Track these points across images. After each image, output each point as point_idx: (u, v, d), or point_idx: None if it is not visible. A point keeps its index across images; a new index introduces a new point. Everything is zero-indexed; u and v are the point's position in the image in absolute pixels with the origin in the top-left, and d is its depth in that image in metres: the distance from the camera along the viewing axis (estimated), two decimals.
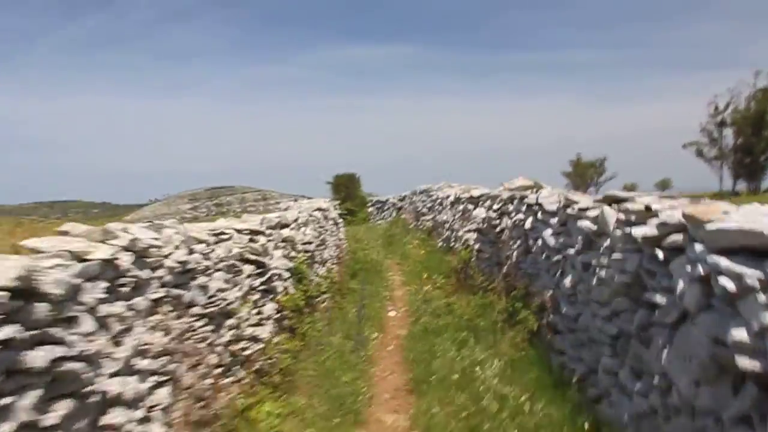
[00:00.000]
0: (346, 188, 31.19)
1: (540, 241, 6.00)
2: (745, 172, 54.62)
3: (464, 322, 7.36)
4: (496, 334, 6.61)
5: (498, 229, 8.28)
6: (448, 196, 14.90)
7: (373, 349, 7.75)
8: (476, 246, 9.93)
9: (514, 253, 7.32)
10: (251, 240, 5.92)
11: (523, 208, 7.19)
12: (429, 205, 19.35)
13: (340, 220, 14.00)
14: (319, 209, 9.88)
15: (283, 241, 7.14)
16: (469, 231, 10.78)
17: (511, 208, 7.87)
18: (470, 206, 11.40)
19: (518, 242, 7.16)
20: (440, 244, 14.85)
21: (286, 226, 7.64)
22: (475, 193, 11.19)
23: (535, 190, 7.13)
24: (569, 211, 4.91)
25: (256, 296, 5.73)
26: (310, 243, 8.37)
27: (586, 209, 4.51)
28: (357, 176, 31.93)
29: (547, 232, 5.73)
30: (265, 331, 5.74)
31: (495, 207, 8.49)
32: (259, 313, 5.76)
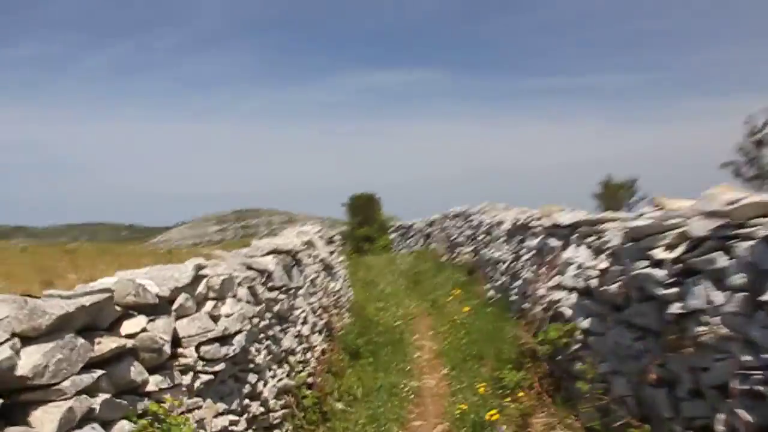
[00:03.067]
0: (364, 211, 26.51)
1: None
2: None
3: None
4: None
5: (676, 309, 3.40)
6: (500, 223, 10.05)
7: None
8: (582, 322, 5.07)
9: None
10: None
11: None
12: (467, 232, 14.50)
13: (339, 260, 9.23)
14: (276, 252, 5.11)
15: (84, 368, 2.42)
16: (559, 288, 5.92)
17: (723, 261, 3.02)
18: (553, 242, 6.54)
19: None
20: (491, 293, 9.96)
21: (145, 309, 2.93)
22: (564, 219, 6.35)
23: None
24: None
25: None
26: (228, 338, 3.62)
27: None
28: (377, 197, 27.24)
29: None
30: None
31: (662, 253, 3.60)
32: None
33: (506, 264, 8.86)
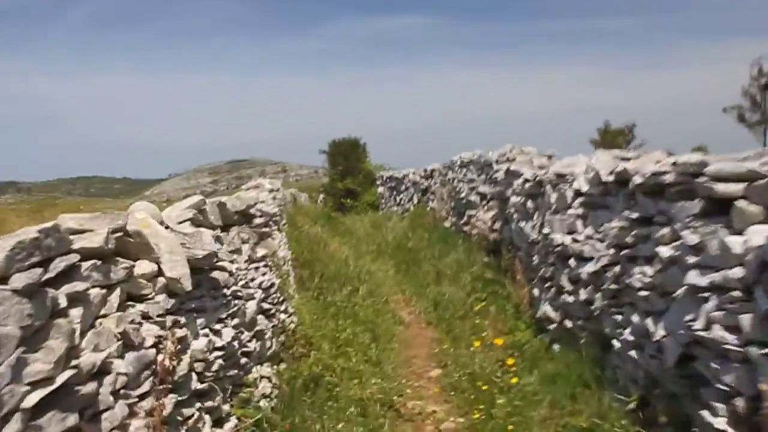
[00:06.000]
0: (345, 159, 21.80)
1: None
2: None
3: None
4: None
5: None
6: (562, 178, 5.48)
7: None
8: None
9: None
10: None
11: None
12: (484, 189, 9.95)
13: (259, 254, 4.69)
14: None
15: None
16: None
17: None
18: None
19: None
20: (547, 310, 5.47)
21: None
22: None
23: None
24: None
25: None
26: None
27: None
28: (362, 143, 22.44)
29: None
30: None
31: None
32: None
33: (593, 264, 4.34)
